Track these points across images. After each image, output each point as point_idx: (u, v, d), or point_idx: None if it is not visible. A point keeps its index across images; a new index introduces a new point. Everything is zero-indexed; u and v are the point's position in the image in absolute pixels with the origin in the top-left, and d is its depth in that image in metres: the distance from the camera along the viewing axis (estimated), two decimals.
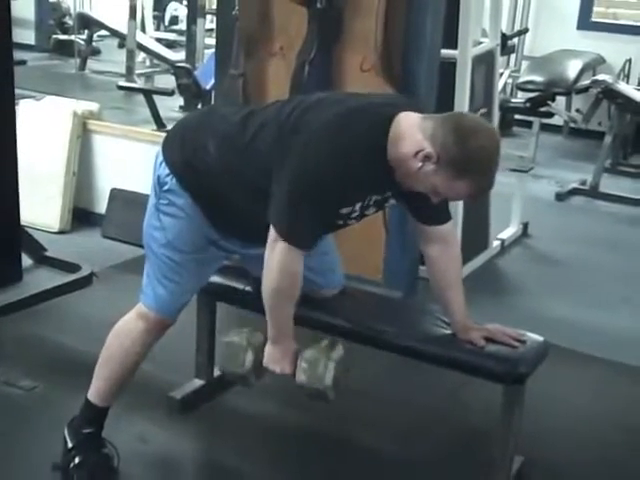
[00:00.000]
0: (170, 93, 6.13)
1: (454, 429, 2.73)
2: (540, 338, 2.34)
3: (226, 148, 2.14)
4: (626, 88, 5.95)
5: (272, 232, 2.06)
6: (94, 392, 2.33)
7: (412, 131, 1.98)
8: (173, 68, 6.65)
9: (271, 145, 2.06)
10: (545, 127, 6.42)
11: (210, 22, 7.63)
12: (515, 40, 7.11)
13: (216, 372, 2.81)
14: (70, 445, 2.32)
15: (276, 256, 2.06)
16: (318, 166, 1.98)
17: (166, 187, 2.18)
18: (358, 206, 2.10)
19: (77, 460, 2.30)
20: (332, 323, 2.42)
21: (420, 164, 1.96)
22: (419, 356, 2.35)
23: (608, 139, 5.78)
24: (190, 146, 2.19)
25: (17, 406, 2.69)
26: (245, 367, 2.29)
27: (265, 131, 2.09)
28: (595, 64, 6.91)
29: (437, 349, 2.31)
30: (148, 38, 8.60)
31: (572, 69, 6.53)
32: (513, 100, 6.59)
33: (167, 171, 2.18)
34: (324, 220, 2.09)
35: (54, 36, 9.74)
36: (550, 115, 6.21)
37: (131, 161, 4.18)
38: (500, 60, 4.65)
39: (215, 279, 2.48)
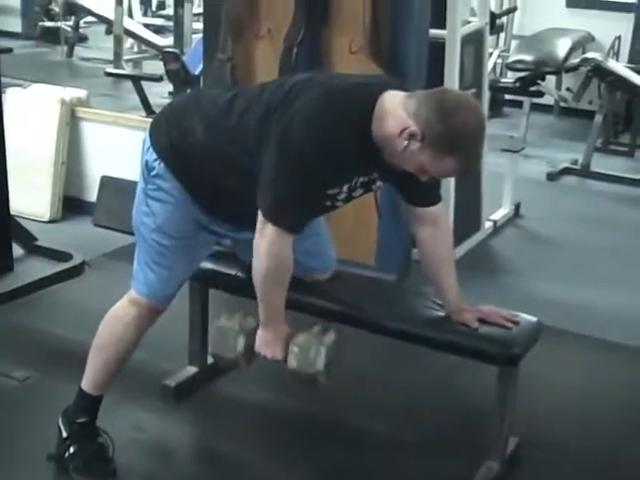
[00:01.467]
0: (158, 79, 6.08)
1: (449, 411, 2.73)
2: (533, 319, 2.34)
3: (213, 131, 2.13)
4: (616, 66, 5.94)
5: (260, 217, 2.05)
6: (87, 381, 2.32)
7: (396, 110, 1.98)
8: (161, 54, 6.58)
9: (256, 127, 2.05)
10: (535, 107, 6.40)
11: (197, 7, 7.59)
12: (504, 19, 7.09)
13: (210, 359, 2.81)
14: (65, 435, 2.32)
15: (265, 240, 2.05)
16: (303, 146, 1.97)
17: (154, 172, 2.17)
18: (345, 187, 2.09)
19: (72, 450, 2.30)
20: (325, 307, 2.42)
21: (405, 143, 1.96)
22: (413, 339, 2.35)
23: (599, 118, 5.78)
24: (177, 130, 2.18)
25: (10, 397, 2.68)
26: (236, 352, 2.28)
27: (250, 113, 2.08)
28: (585, 42, 6.89)
29: (430, 332, 2.30)
30: (135, 24, 8.53)
31: (562, 48, 6.50)
32: (503, 80, 6.58)
33: (155, 156, 2.17)
34: (311, 201, 2.08)
35: (40, 23, 9.63)
36: (540, 94, 6.19)
37: (121, 148, 4.15)
38: (489, 39, 4.63)
39: (206, 265, 2.46)
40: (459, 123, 1.93)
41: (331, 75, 2.28)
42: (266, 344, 2.22)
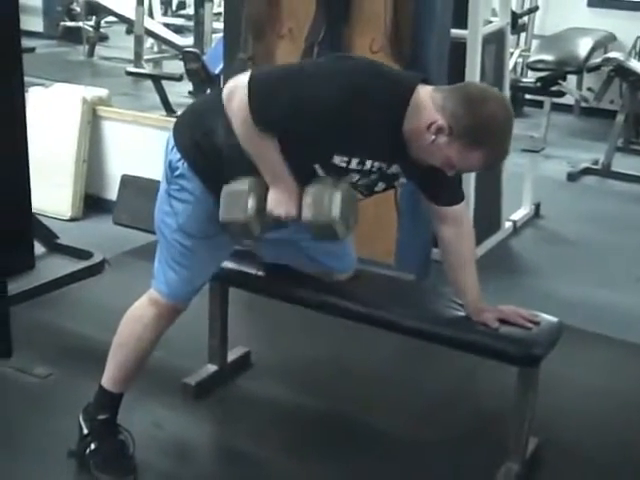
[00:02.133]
0: (179, 78, 6.11)
1: (468, 411, 2.72)
2: (554, 319, 2.33)
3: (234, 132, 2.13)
4: (638, 65, 5.89)
5: (241, 77, 1.98)
6: (108, 379, 2.33)
7: (426, 103, 1.97)
8: (181, 53, 6.61)
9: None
10: (556, 106, 6.37)
11: (218, 6, 7.61)
12: (525, 19, 7.05)
13: (230, 357, 2.82)
14: (85, 432, 2.34)
15: (234, 106, 1.98)
16: (334, 84, 1.93)
17: (177, 172, 2.17)
18: (355, 163, 2.03)
19: (93, 446, 2.31)
20: (345, 306, 2.42)
21: (433, 137, 1.95)
22: (433, 339, 2.35)
23: (620, 118, 5.73)
24: (200, 130, 2.18)
25: (32, 394, 2.70)
26: (247, 213, 2.09)
27: None
28: (606, 42, 6.84)
29: (451, 331, 2.30)
30: (156, 23, 8.57)
31: (583, 47, 6.46)
32: (524, 80, 6.54)
33: (178, 156, 2.17)
34: (292, 123, 1.98)
35: (62, 23, 9.71)
36: (561, 94, 6.16)
37: (141, 147, 4.18)
38: (510, 39, 4.61)
39: (226, 264, 2.47)
40: (486, 116, 1.93)
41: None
42: (278, 203, 2.07)
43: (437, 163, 2.02)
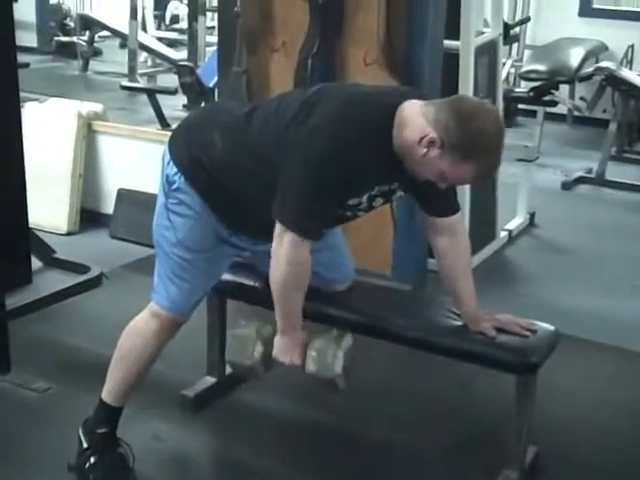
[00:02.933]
0: (173, 92, 6.14)
1: (467, 420, 2.73)
2: (551, 327, 2.34)
3: (232, 143, 2.15)
4: (629, 74, 5.94)
5: (278, 225, 2.06)
6: (108, 392, 2.33)
7: (415, 117, 1.99)
8: (175, 67, 6.65)
9: (277, 138, 2.06)
10: (549, 116, 6.41)
11: (211, 20, 7.65)
12: (517, 29, 7.09)
13: (228, 369, 2.82)
14: (85, 445, 2.33)
15: (284, 248, 2.06)
16: (324, 154, 1.98)
17: (175, 186, 2.18)
18: (365, 197, 2.10)
19: (92, 460, 2.31)
20: (343, 317, 2.42)
21: (425, 150, 1.97)
22: (430, 348, 2.36)
23: (613, 126, 5.77)
24: (196, 143, 2.19)
25: (31, 408, 2.70)
26: (254, 359, 2.27)
27: (270, 124, 2.10)
28: (598, 51, 6.89)
29: (448, 340, 2.31)
30: (149, 37, 8.60)
31: (575, 57, 6.51)
32: (517, 90, 6.58)
33: (175, 170, 2.18)
34: (331, 209, 2.09)
35: (56, 38, 9.75)
36: (554, 104, 6.20)
37: (137, 161, 4.19)
38: (503, 50, 4.64)
39: (225, 276, 2.48)
40: (477, 129, 1.95)
41: (352, 85, 2.29)
42: (284, 350, 2.22)
43: (430, 176, 2.04)
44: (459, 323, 2.31)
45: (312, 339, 2.22)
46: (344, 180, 2.02)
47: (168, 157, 2.21)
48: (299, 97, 2.11)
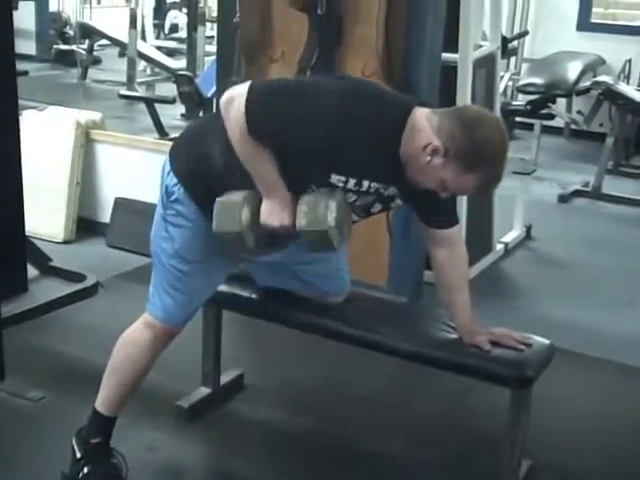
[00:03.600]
0: (171, 101, 6.15)
1: (461, 434, 2.72)
2: (546, 341, 2.34)
3: (231, 154, 2.13)
4: (627, 89, 5.96)
5: (237, 90, 1.98)
6: (102, 402, 2.33)
7: (423, 125, 1.98)
8: (174, 76, 6.66)
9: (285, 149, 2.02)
10: (546, 129, 6.43)
11: (210, 29, 7.65)
12: (515, 43, 7.12)
13: (223, 380, 2.82)
14: (78, 455, 2.33)
15: (233, 113, 1.98)
16: (328, 107, 1.93)
17: (173, 197, 2.18)
18: (352, 183, 2.02)
19: (86, 470, 2.30)
20: (339, 329, 2.42)
21: (429, 158, 1.95)
22: (426, 361, 2.36)
23: (610, 140, 5.79)
24: (196, 154, 2.19)
25: (25, 417, 2.69)
26: (242, 224, 2.07)
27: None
28: (595, 65, 6.91)
29: (444, 354, 2.31)
30: (149, 46, 8.62)
31: (572, 71, 6.53)
32: (514, 103, 6.59)
33: (175, 181, 2.18)
34: (284, 129, 1.97)
35: (55, 46, 9.76)
36: (551, 117, 6.22)
37: (134, 170, 4.20)
38: (500, 63, 4.66)
39: (220, 287, 2.48)
40: (483, 138, 1.94)
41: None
42: (272, 213, 2.06)
43: (431, 185, 2.02)
44: (454, 336, 2.31)
45: (301, 197, 2.06)
46: (331, 141, 1.94)
47: (168, 168, 2.21)
48: None
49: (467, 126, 1.94)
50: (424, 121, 1.98)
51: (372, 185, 2.06)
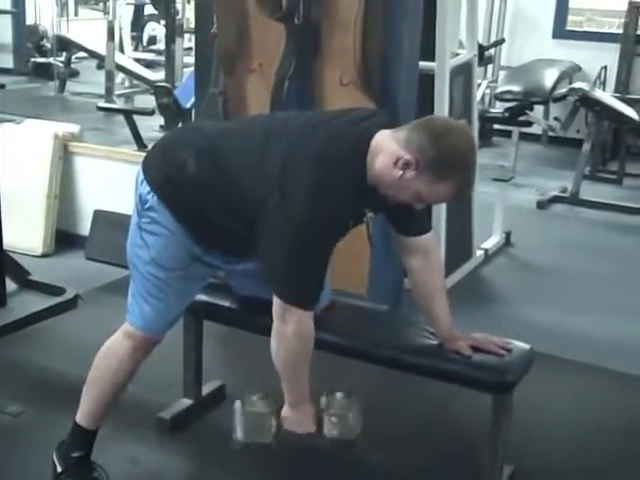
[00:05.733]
0: (150, 113, 6.13)
1: (443, 439, 2.73)
2: (526, 346, 2.35)
3: (206, 167, 2.14)
4: (603, 95, 6.01)
5: (279, 303, 2.05)
6: (82, 415, 2.32)
7: (388, 144, 2.00)
8: (152, 88, 6.64)
9: (251, 178, 2.06)
10: (524, 136, 6.47)
11: (188, 41, 7.66)
12: (492, 51, 7.18)
13: (205, 391, 2.81)
14: (59, 470, 2.31)
15: (291, 327, 2.06)
16: (309, 220, 1.97)
17: (147, 205, 2.18)
18: (344, 236, 2.12)
19: None
20: (320, 337, 2.40)
21: (401, 172, 1.98)
22: (407, 368, 2.36)
23: (587, 146, 5.83)
24: (170, 163, 2.19)
25: (4, 432, 2.67)
26: (272, 435, 2.22)
27: (244, 158, 2.10)
28: (571, 72, 6.98)
29: (424, 360, 2.31)
30: (127, 58, 8.60)
31: (549, 78, 6.58)
32: (492, 110, 6.64)
33: (148, 189, 2.18)
34: (324, 269, 2.08)
35: (32, 59, 9.73)
36: (529, 124, 6.26)
37: (113, 182, 4.18)
38: (478, 71, 4.69)
39: (200, 297, 2.47)
40: (451, 145, 1.97)
41: (323, 116, 2.23)
42: (296, 422, 2.20)
43: (406, 198, 2.05)
44: (435, 342, 2.31)
45: (324, 405, 2.22)
46: (333, 232, 2.04)
47: (142, 176, 2.21)
48: (273, 135, 2.09)
49: (435, 136, 1.97)
50: (388, 140, 2.01)
51: (353, 222, 2.12)
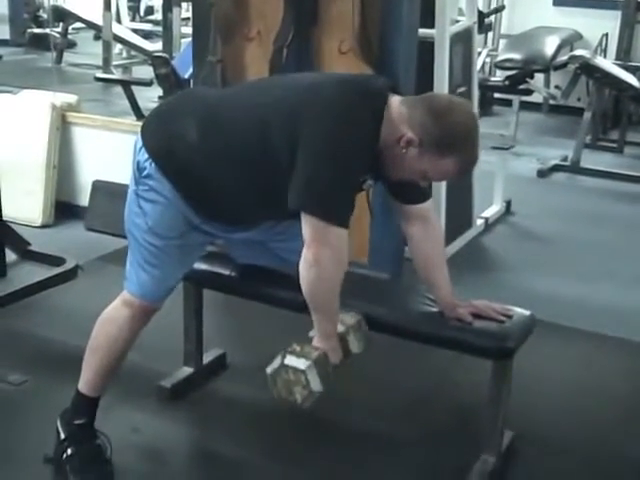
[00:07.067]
0: (148, 83, 6.10)
1: (444, 407, 2.74)
2: (527, 312, 2.35)
3: (205, 130, 2.12)
4: (604, 63, 5.98)
5: (319, 226, 1.99)
6: (84, 383, 2.32)
7: (396, 116, 2.00)
8: (150, 58, 6.60)
9: (263, 128, 2.04)
10: (525, 105, 6.44)
11: (186, 11, 7.60)
12: (492, 18, 7.13)
13: (205, 359, 2.82)
14: (63, 436, 2.32)
15: (331, 247, 2.01)
16: (337, 139, 1.95)
17: (145, 172, 2.16)
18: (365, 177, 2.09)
19: (70, 451, 2.30)
20: None
21: (404, 150, 1.98)
22: (408, 335, 2.36)
23: (587, 115, 5.81)
24: (169, 130, 2.18)
25: (7, 401, 2.68)
26: (313, 390, 2.14)
27: (255, 113, 2.08)
28: (572, 40, 6.94)
29: (425, 327, 2.31)
30: (124, 29, 8.55)
31: (549, 46, 6.55)
32: (492, 79, 6.62)
33: (146, 156, 2.16)
34: (354, 190, 2.06)
35: (29, 30, 9.66)
36: (529, 92, 6.24)
37: (112, 152, 4.16)
38: (478, 39, 4.66)
39: (200, 266, 2.47)
40: (453, 123, 1.96)
41: (330, 74, 2.25)
42: (334, 353, 2.17)
43: (412, 176, 2.05)
44: (435, 310, 2.31)
45: (344, 328, 2.23)
46: (359, 156, 2.00)
47: (140, 143, 2.19)
48: (286, 86, 2.09)
49: (438, 114, 1.97)
50: (396, 112, 2.00)
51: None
